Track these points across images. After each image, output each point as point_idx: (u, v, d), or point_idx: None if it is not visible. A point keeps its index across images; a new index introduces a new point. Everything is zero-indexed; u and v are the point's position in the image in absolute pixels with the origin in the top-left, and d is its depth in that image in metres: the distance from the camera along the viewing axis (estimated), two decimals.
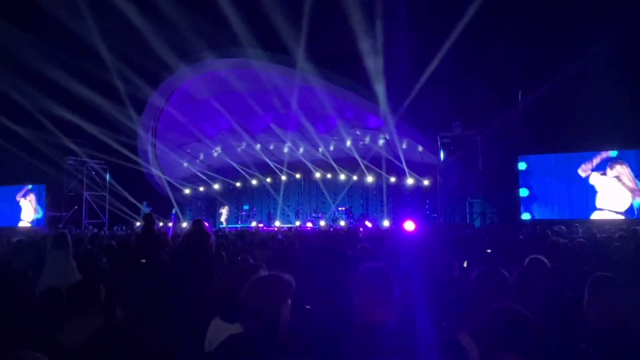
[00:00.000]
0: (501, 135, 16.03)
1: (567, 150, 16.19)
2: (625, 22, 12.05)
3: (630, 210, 15.18)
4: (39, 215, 22.62)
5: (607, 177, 15.62)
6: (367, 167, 21.11)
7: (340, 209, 22.18)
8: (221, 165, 24.02)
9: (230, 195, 25.36)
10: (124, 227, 18.95)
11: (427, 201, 20.84)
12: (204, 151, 23.31)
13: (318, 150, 21.48)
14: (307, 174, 23.51)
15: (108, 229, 19.02)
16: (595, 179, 15.78)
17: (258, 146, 22.21)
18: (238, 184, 25.05)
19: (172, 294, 3.87)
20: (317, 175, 22.91)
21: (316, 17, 13.27)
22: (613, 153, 15.61)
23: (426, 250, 5.57)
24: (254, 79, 16.40)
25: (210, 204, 25.57)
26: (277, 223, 21.93)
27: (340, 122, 18.78)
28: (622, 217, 15.06)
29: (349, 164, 21.63)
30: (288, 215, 23.69)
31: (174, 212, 18.38)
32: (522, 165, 16.69)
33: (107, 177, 21.71)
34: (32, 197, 23.04)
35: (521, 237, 9.45)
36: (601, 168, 15.73)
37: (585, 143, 15.51)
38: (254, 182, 24.30)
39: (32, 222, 22.72)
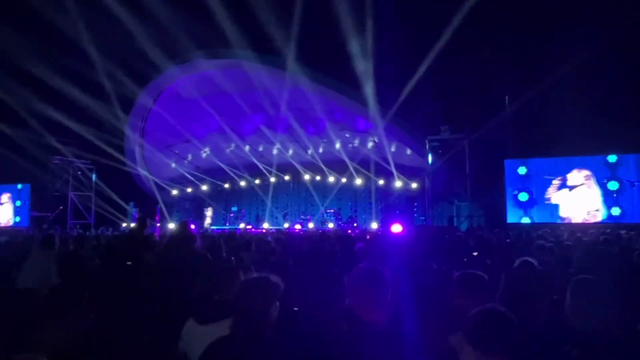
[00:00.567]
0: (488, 139, 16.18)
1: (552, 155, 16.33)
2: (614, 26, 12.27)
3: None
4: (17, 218, 21.95)
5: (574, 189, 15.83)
6: (356, 170, 21.17)
7: (329, 211, 22.20)
8: (209, 167, 23.87)
9: (219, 197, 25.22)
10: (110, 229, 18.73)
11: (416, 204, 20.97)
12: (192, 152, 23.19)
13: (307, 152, 21.49)
14: (296, 175, 23.49)
15: (94, 230, 18.78)
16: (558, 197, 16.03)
17: (247, 147, 22.15)
18: (226, 185, 24.94)
19: (150, 296, 3.85)
20: (306, 177, 22.91)
21: (306, 19, 13.32)
22: (612, 158, 15.61)
23: (412, 252, 5.60)
24: (243, 80, 16.38)
25: (198, 206, 25.40)
26: (266, 225, 21.87)
27: (329, 125, 18.83)
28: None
29: (338, 166, 21.66)
30: (276, 217, 23.64)
31: (157, 207, 18.21)
32: (522, 170, 16.61)
33: (94, 177, 21.44)
34: (5, 197, 22.30)
35: (508, 240, 9.52)
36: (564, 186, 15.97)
37: (572, 148, 15.62)
38: (243, 183, 24.18)
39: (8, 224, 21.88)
